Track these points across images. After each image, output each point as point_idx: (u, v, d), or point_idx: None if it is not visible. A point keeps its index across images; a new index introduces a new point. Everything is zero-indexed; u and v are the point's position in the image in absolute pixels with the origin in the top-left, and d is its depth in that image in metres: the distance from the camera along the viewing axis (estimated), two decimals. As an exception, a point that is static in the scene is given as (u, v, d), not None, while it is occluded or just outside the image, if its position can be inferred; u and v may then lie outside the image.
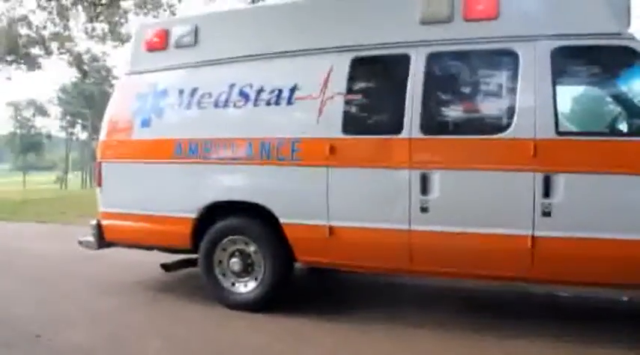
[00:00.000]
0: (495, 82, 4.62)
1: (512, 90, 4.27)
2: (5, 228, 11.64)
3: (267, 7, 6.38)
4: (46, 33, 24.02)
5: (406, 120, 4.42)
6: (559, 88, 4.20)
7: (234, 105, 5.07)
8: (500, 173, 4.18)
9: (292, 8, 5.46)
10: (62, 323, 4.80)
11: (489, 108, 4.61)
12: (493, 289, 5.60)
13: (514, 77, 4.25)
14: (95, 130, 56.07)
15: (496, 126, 4.31)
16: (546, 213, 4.04)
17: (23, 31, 23.94)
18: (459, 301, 5.35)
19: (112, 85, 55.99)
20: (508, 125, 4.19)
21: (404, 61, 4.53)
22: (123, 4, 19.76)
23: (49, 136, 67.10)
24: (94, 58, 35.51)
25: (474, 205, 4.28)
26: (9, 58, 31.66)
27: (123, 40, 21.26)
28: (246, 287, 5.08)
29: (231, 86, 5.09)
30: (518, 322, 4.66)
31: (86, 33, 21.42)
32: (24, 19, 23.13)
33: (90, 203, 9.09)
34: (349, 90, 4.70)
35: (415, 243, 4.41)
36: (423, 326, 4.57)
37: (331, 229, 4.63)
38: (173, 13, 17.66)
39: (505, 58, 4.38)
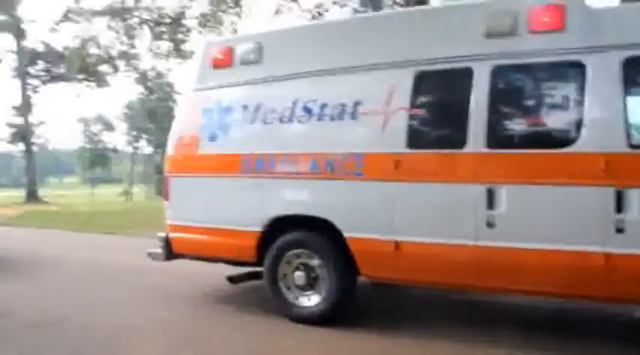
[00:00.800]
0: (562, 95, 4.49)
1: (580, 103, 4.16)
2: (78, 239, 12.10)
3: (330, 23, 6.47)
4: (114, 52, 24.89)
5: (470, 134, 4.38)
6: (630, 100, 4.06)
7: (298, 121, 5.14)
8: (568, 188, 4.07)
9: (355, 24, 5.53)
10: (129, 331, 4.96)
11: (556, 121, 4.48)
12: (561, 307, 5.44)
13: (582, 89, 4.14)
14: (159, 145, 57.57)
15: (563, 139, 4.20)
16: (619, 230, 3.90)
17: (93, 50, 24.90)
18: (535, 320, 5.24)
19: (174, 101, 57.48)
20: (576, 138, 4.08)
21: (467, 74, 4.49)
22: (186, 23, 20.34)
23: (115, 150, 69.36)
24: (159, 75, 36.57)
25: (542, 220, 4.18)
26: (80, 77, 33.13)
27: (186, 57, 21.86)
28: (309, 300, 5.11)
29: (295, 102, 5.16)
30: (602, 345, 4.48)
31: (151, 51, 22.13)
32: (94, 39, 24.05)
33: (154, 215, 9.38)
34: (413, 105, 4.69)
35: (482, 259, 4.34)
36: (495, 344, 4.44)
37: (396, 244, 4.61)
38: (235, 30, 18.04)
39: (572, 70, 4.27)
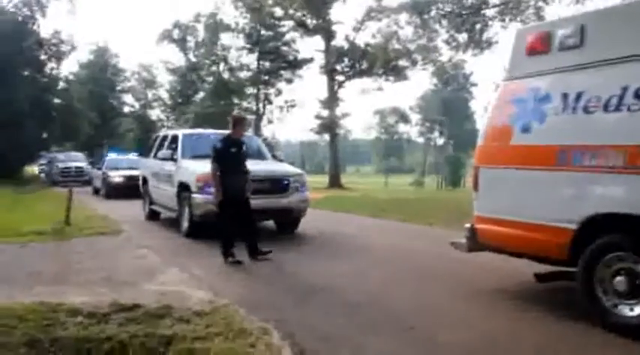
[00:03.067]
0: None
1: None
2: (377, 224, 12.82)
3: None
4: (412, 46, 25.71)
5: None
6: None
7: (628, 109, 4.60)
8: None
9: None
10: (433, 319, 5.04)
11: None
12: None
13: None
14: (451, 136, 58.18)
15: None
16: None
17: (393, 45, 26.08)
18: None
19: (469, 92, 57.35)
20: None
21: None
22: (486, 12, 20.00)
23: (408, 141, 72.22)
24: (455, 66, 36.86)
25: None
26: (380, 71, 35.12)
27: (483, 47, 21.52)
28: (632, 310, 4.56)
29: (625, 88, 4.62)
30: None
31: (447, 43, 22.29)
32: (394, 35, 25.15)
33: (445, 205, 9.44)
34: None
35: None
36: None
37: None
38: (540, 18, 17.13)
39: None
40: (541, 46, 5.41)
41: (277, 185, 9.96)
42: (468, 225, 5.86)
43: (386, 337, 4.57)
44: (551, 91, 5.22)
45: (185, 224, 9.99)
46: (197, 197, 9.45)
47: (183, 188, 10.00)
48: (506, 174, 5.54)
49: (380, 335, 4.59)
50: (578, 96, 4.96)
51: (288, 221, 10.47)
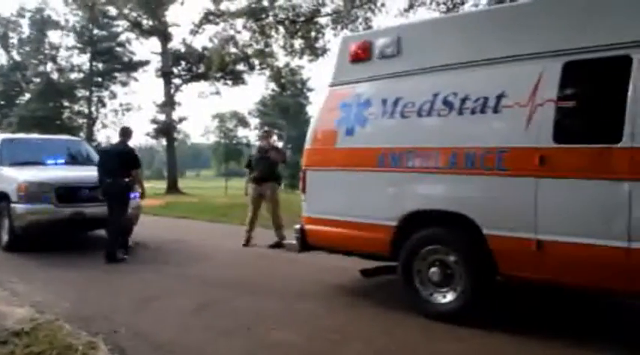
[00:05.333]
0: None
1: None
2: (218, 229, 12.72)
3: (471, 13, 6.29)
4: (249, 51, 25.77)
5: (626, 128, 4.05)
6: None
7: (438, 115, 5.05)
8: None
9: (498, 13, 5.32)
10: (269, 320, 5.11)
11: None
12: None
13: None
14: (290, 140, 59.16)
15: None
16: None
17: (230, 50, 25.97)
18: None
19: (306, 98, 58.83)
20: None
21: (624, 63, 4.16)
22: (319, 20, 20.66)
23: (248, 145, 72.36)
24: (292, 72, 37.60)
25: None
26: (218, 75, 34.84)
27: (318, 54, 22.19)
28: (444, 297, 5.01)
29: (435, 95, 5.07)
30: None
31: (284, 49, 22.69)
32: (231, 39, 25.07)
33: (285, 209, 9.65)
34: (561, 97, 4.43)
35: (635, 262, 4.01)
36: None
37: (539, 243, 4.39)
38: (369, 27, 18.06)
39: None
40: (363, 54, 5.73)
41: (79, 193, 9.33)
42: (297, 226, 6.04)
43: (221, 340, 4.56)
44: (371, 97, 5.56)
45: (5, 236, 9.15)
46: (18, 207, 8.70)
47: (2, 198, 9.18)
48: (331, 176, 5.79)
49: (215, 339, 4.58)
50: (396, 102, 5.34)
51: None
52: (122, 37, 40.21)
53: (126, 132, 8.79)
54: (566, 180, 4.33)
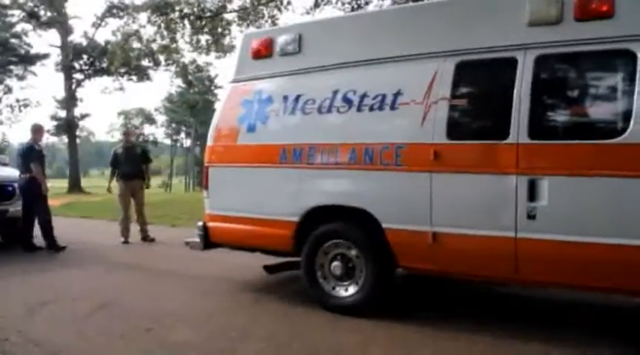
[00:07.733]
0: (609, 85, 4.35)
1: (629, 94, 4.02)
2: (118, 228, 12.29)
3: (369, 13, 6.43)
4: (154, 46, 25.11)
5: (513, 125, 4.29)
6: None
7: (338, 111, 5.13)
8: (615, 180, 3.95)
9: (395, 14, 5.46)
10: (170, 320, 5.02)
11: (602, 112, 4.32)
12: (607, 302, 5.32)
13: (631, 79, 4.01)
14: (198, 137, 58.32)
15: (610, 131, 4.08)
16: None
17: (135, 45, 25.20)
18: (587, 317, 5.15)
19: (214, 94, 58.09)
20: (623, 130, 3.95)
21: (511, 64, 4.40)
22: (226, 17, 20.43)
23: (155, 143, 70.55)
24: (199, 69, 37.02)
25: (586, 213, 4.07)
26: (122, 71, 33.74)
27: (225, 50, 21.96)
28: (346, 291, 5.11)
29: (335, 92, 5.15)
30: None
31: (191, 45, 22.28)
32: (135, 34, 24.33)
33: (193, 206, 9.49)
34: (454, 95, 4.62)
35: (521, 252, 4.26)
36: (528, 341, 4.35)
37: (434, 235, 4.57)
38: (275, 24, 18.06)
39: (621, 59, 4.14)
40: (265, 50, 5.73)
41: (1, 192, 9.01)
42: (200, 224, 5.96)
43: (119, 343, 4.43)
44: (273, 94, 5.57)
45: None
46: None
47: None
48: (233, 173, 5.75)
49: (114, 342, 4.44)
50: (297, 98, 5.38)
51: (15, 231, 9.48)
52: (18, 28, 37.94)
53: (34, 130, 9.12)
54: (458, 175, 4.52)
